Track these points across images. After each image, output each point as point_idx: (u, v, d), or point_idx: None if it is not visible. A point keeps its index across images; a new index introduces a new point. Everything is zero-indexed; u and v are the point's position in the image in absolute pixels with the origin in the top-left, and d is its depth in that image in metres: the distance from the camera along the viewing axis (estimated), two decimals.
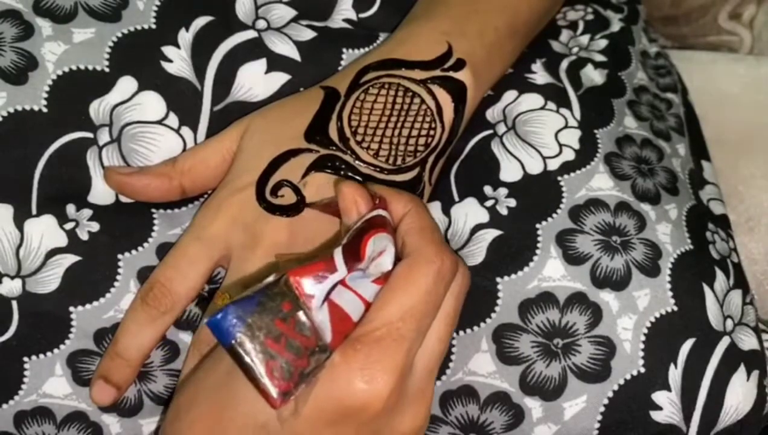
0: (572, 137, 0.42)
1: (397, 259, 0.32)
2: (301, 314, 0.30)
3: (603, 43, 0.47)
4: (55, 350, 0.37)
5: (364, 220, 0.32)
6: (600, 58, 0.46)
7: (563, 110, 0.43)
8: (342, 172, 0.37)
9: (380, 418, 0.31)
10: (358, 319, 0.31)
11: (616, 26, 0.49)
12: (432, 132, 0.38)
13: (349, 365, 0.30)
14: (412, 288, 0.31)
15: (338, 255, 0.31)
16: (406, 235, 0.33)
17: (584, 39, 0.47)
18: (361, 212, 0.33)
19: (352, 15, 0.43)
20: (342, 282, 0.31)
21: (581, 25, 0.48)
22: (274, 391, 0.29)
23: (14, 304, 0.37)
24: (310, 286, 0.30)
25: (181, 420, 0.33)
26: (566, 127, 0.42)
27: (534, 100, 0.43)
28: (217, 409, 0.32)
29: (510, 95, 0.43)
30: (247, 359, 0.29)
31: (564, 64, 0.45)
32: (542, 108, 0.43)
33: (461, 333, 0.39)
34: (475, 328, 0.38)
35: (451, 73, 0.39)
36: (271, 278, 0.30)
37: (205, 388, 0.33)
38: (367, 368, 0.30)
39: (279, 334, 0.29)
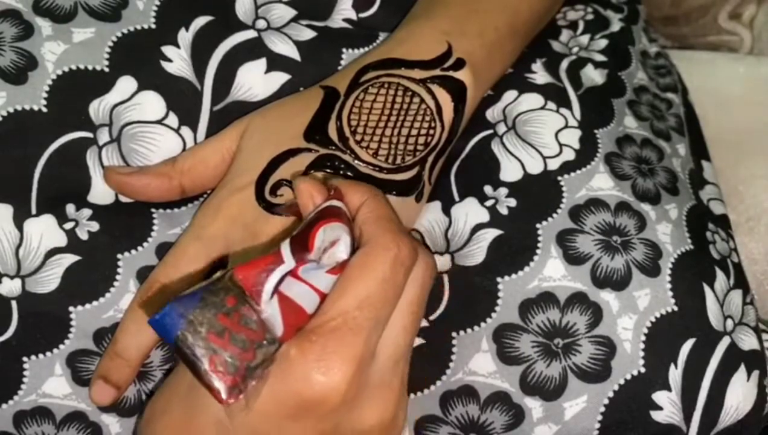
0: (572, 137, 0.42)
1: (356, 249, 0.32)
2: (245, 308, 0.29)
3: (603, 43, 0.47)
4: (55, 350, 0.37)
5: (315, 211, 0.32)
6: (600, 58, 0.46)
7: (563, 110, 0.43)
8: (341, 172, 0.37)
9: (340, 410, 0.30)
10: (313, 311, 0.31)
11: (616, 26, 0.49)
12: (432, 131, 0.39)
13: (305, 357, 0.29)
14: (368, 276, 0.30)
15: (285, 247, 0.30)
16: (362, 224, 0.32)
17: (584, 39, 0.47)
18: (317, 204, 0.33)
19: (352, 15, 0.43)
20: (293, 274, 0.30)
21: (581, 25, 0.48)
22: (219, 385, 0.28)
23: (14, 304, 0.37)
24: (256, 280, 0.30)
25: (155, 422, 0.33)
26: (566, 126, 0.42)
27: (534, 100, 0.43)
28: (188, 413, 0.32)
29: (510, 95, 0.43)
30: (190, 355, 0.28)
31: (564, 64, 0.45)
32: (542, 108, 0.43)
33: (461, 333, 0.39)
34: (476, 328, 0.39)
35: (450, 73, 0.39)
36: (217, 275, 0.30)
37: (177, 392, 0.33)
38: (324, 359, 0.29)
39: (222, 328, 0.29)
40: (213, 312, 0.29)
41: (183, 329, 0.28)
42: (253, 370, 0.29)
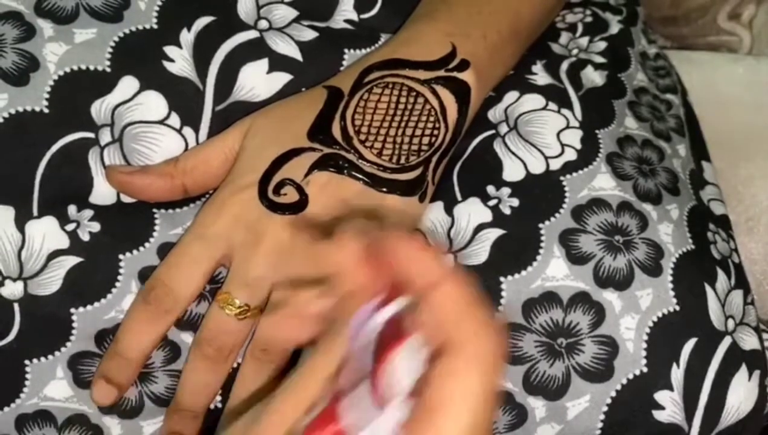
0: (574, 137, 0.42)
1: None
2: None
3: (602, 45, 0.48)
4: (57, 353, 0.37)
5: (371, 341, 0.24)
6: (599, 59, 0.47)
7: (564, 111, 0.43)
8: (345, 171, 0.37)
9: None
10: None
11: (614, 28, 0.49)
12: (436, 132, 0.39)
13: None
14: (466, 401, 0.23)
15: (358, 401, 0.24)
16: (444, 316, 0.24)
17: (583, 41, 0.48)
18: (366, 281, 0.25)
19: (353, 16, 0.43)
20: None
21: (580, 28, 0.48)
22: None
23: (16, 306, 0.37)
24: None
25: None
26: (568, 127, 0.43)
27: (535, 100, 0.43)
28: None
29: (511, 96, 0.43)
30: None
31: (564, 66, 0.45)
32: (544, 108, 0.43)
33: None
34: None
35: (455, 74, 0.39)
36: None
37: None
38: None
39: None
40: None
41: None
42: None
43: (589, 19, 0.49)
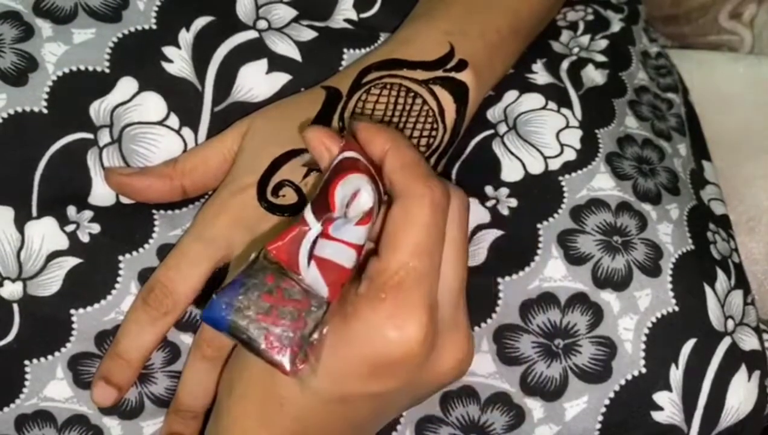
0: (573, 137, 0.42)
1: (383, 197, 0.33)
2: (285, 282, 0.31)
3: (603, 43, 0.47)
4: (56, 353, 0.37)
5: (329, 170, 0.33)
6: (600, 58, 0.47)
7: (564, 110, 0.43)
8: None
9: (421, 361, 0.31)
10: (353, 265, 0.32)
11: (616, 26, 0.49)
12: (434, 133, 0.39)
13: (378, 315, 0.31)
14: (412, 226, 0.31)
15: (308, 212, 0.32)
16: (391, 174, 0.33)
17: (584, 39, 0.47)
18: (333, 153, 0.33)
19: (352, 15, 0.43)
20: (324, 235, 0.31)
21: (581, 26, 0.48)
22: (279, 359, 0.30)
23: (15, 307, 0.37)
24: (290, 252, 0.31)
25: (232, 391, 0.34)
26: (567, 127, 0.43)
27: (535, 100, 0.43)
28: (264, 378, 0.33)
29: (511, 95, 0.43)
30: (246, 338, 0.30)
31: (564, 65, 0.45)
32: (543, 108, 0.43)
33: None
34: (476, 328, 0.39)
35: (453, 74, 0.39)
36: (251, 257, 0.31)
37: (249, 360, 0.33)
38: (396, 314, 0.31)
39: (268, 307, 0.30)
40: (256, 294, 0.30)
41: (232, 317, 0.30)
42: (308, 337, 0.30)
43: (590, 17, 0.49)
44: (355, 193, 0.32)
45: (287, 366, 0.30)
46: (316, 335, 0.31)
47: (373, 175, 0.33)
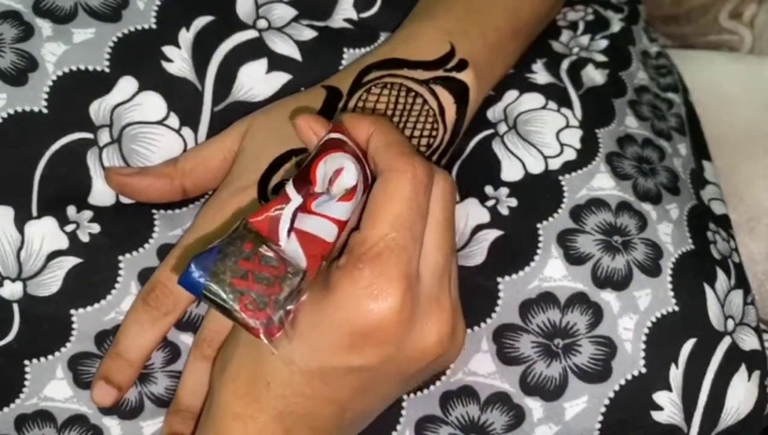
0: (573, 137, 0.43)
1: (371, 178, 0.34)
2: (263, 249, 0.31)
3: (603, 43, 0.48)
4: (56, 353, 0.38)
5: (315, 148, 0.33)
6: (600, 58, 0.47)
7: (564, 110, 0.43)
8: None
9: (399, 331, 0.32)
10: (334, 239, 0.32)
11: (616, 26, 0.49)
12: (434, 132, 0.39)
13: (356, 286, 0.31)
14: (392, 199, 0.32)
15: (290, 186, 0.32)
16: (375, 154, 0.33)
17: (584, 39, 0.48)
18: (320, 137, 0.34)
19: (352, 15, 0.44)
20: (306, 210, 0.32)
21: (581, 26, 0.48)
22: (252, 322, 0.30)
23: (15, 307, 0.37)
24: (270, 223, 0.32)
25: (222, 374, 0.34)
26: (567, 126, 0.43)
27: (535, 99, 0.43)
28: (250, 360, 0.33)
29: (511, 95, 0.44)
30: (220, 302, 0.30)
31: (564, 64, 0.45)
32: (543, 107, 0.43)
33: None
34: (476, 328, 0.39)
35: (453, 74, 0.39)
36: (232, 227, 0.32)
37: (238, 340, 0.34)
38: (374, 284, 0.31)
39: (245, 272, 0.31)
40: (233, 260, 0.31)
41: (208, 281, 0.30)
42: (282, 302, 0.31)
43: (590, 17, 0.49)
44: (339, 170, 0.33)
45: (260, 328, 0.30)
46: (292, 305, 0.31)
47: (359, 156, 0.33)
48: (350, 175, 0.33)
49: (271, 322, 0.31)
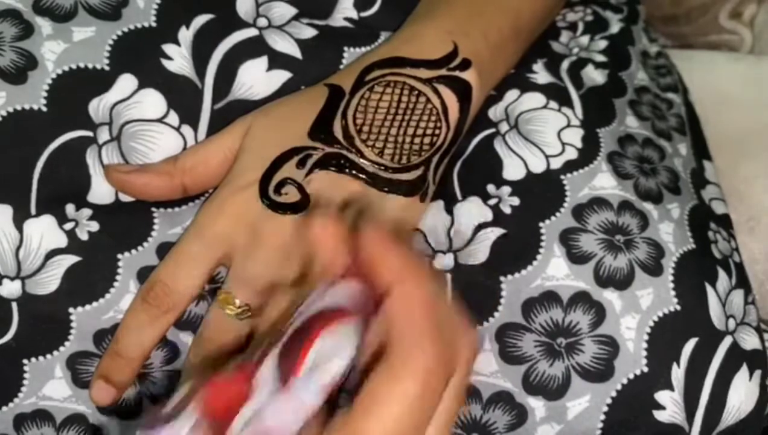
0: (575, 136, 0.43)
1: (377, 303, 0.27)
2: None
3: (603, 43, 0.48)
4: (55, 352, 0.38)
5: (310, 313, 0.27)
6: (600, 58, 0.47)
7: (565, 109, 0.43)
8: (346, 171, 0.37)
9: None
10: (300, 425, 0.26)
11: (615, 27, 0.49)
12: (437, 131, 0.39)
13: None
14: (395, 399, 0.25)
15: (268, 366, 0.26)
16: (391, 316, 0.26)
17: (584, 40, 0.48)
18: (339, 266, 0.27)
19: (353, 14, 0.44)
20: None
21: (581, 26, 0.48)
22: None
23: (14, 305, 0.37)
24: (225, 411, 0.26)
25: None
26: (568, 126, 0.43)
27: (536, 99, 0.44)
28: None
29: (512, 95, 0.44)
30: None
31: (565, 64, 0.46)
32: (544, 107, 0.43)
33: None
34: (478, 327, 0.39)
35: (457, 73, 0.40)
36: (182, 391, 0.26)
37: None
38: None
39: None
40: None
41: None
42: None
43: (589, 18, 0.49)
44: (332, 356, 0.26)
45: None
46: None
47: (369, 318, 0.27)
48: (341, 365, 0.26)
49: None
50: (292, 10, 0.42)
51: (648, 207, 0.42)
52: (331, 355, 0.26)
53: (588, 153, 0.42)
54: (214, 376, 0.26)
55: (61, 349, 0.38)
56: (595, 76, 0.46)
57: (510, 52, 0.43)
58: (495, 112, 0.43)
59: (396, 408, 0.25)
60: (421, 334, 0.25)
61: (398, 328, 0.26)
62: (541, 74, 0.45)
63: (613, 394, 0.38)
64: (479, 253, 0.40)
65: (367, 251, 0.26)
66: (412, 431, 0.25)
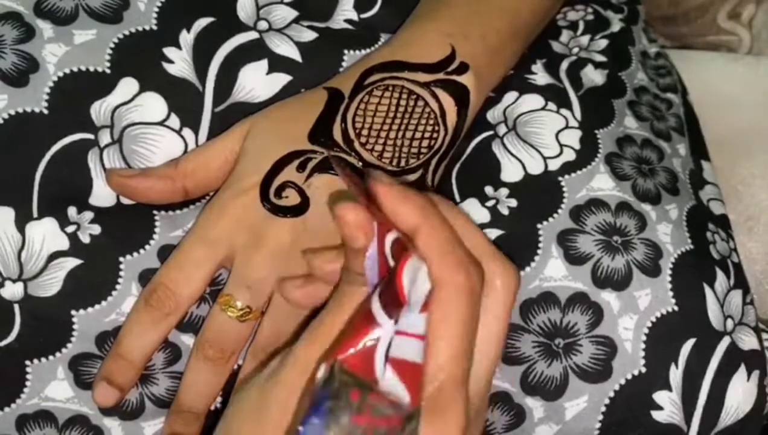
0: (573, 137, 0.43)
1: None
2: (371, 396, 0.27)
3: (603, 43, 0.48)
4: (57, 354, 0.38)
5: (388, 254, 0.29)
6: (600, 58, 0.47)
7: (564, 111, 0.44)
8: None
9: None
10: (422, 358, 0.28)
11: (616, 26, 0.49)
12: (435, 135, 0.39)
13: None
14: (452, 328, 0.27)
15: (376, 308, 0.28)
16: (426, 258, 0.28)
17: (584, 39, 0.48)
18: (369, 238, 0.29)
19: (353, 15, 0.44)
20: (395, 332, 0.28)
21: (581, 26, 0.48)
22: None
23: (16, 307, 0.37)
24: (364, 360, 0.27)
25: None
26: (567, 127, 0.43)
27: (534, 100, 0.44)
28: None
29: (510, 96, 0.44)
30: None
31: (564, 65, 0.46)
32: (543, 108, 0.43)
33: None
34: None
35: (454, 77, 0.40)
36: (321, 373, 0.27)
37: (239, 412, 0.31)
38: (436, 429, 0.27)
39: (362, 430, 0.26)
40: (346, 419, 0.26)
41: None
42: None
43: (590, 17, 0.49)
44: (414, 279, 0.28)
45: None
46: None
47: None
48: (424, 280, 0.28)
49: None
50: (292, 13, 0.43)
51: (646, 208, 0.42)
52: (415, 279, 0.28)
53: (586, 154, 0.43)
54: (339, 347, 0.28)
55: (64, 350, 0.38)
56: (594, 76, 0.46)
57: (509, 54, 0.43)
58: (494, 114, 0.44)
59: (455, 336, 0.27)
60: (460, 261, 0.28)
61: (437, 259, 0.28)
62: (540, 75, 0.45)
63: (611, 394, 0.39)
64: None
65: (386, 206, 0.28)
66: (468, 350, 0.28)
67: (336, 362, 0.27)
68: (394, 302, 0.28)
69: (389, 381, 0.27)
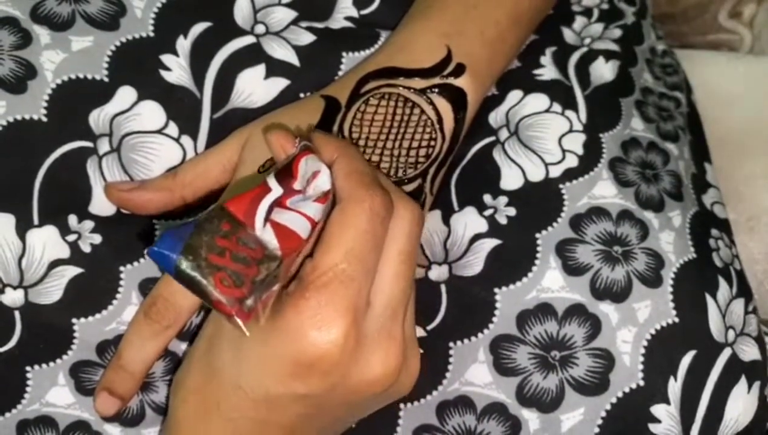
0: (576, 142, 0.39)
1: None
2: (241, 231, 0.28)
3: (617, 32, 0.44)
4: (58, 360, 0.35)
5: (295, 147, 0.32)
6: (613, 47, 0.42)
7: (569, 112, 0.40)
8: None
9: (342, 362, 0.29)
10: (307, 236, 0.30)
11: (629, 19, 0.45)
12: (432, 142, 0.36)
13: (301, 315, 0.29)
14: (347, 230, 0.29)
15: (271, 178, 0.30)
16: (336, 180, 0.31)
17: (598, 27, 0.43)
18: (288, 151, 0.32)
19: (353, 12, 0.40)
20: (282, 204, 0.30)
21: (596, 13, 0.43)
22: (225, 299, 0.27)
23: (17, 314, 0.35)
24: (248, 209, 0.29)
25: (176, 394, 0.33)
26: (571, 131, 0.40)
27: (539, 101, 0.40)
28: (203, 381, 0.31)
29: (514, 96, 0.40)
30: (192, 275, 0.27)
31: (574, 59, 0.41)
32: (547, 111, 0.40)
33: (458, 343, 0.36)
34: (473, 338, 0.37)
35: (450, 81, 0.36)
36: (209, 208, 0.29)
37: (191, 361, 0.32)
38: (319, 314, 0.29)
39: (222, 249, 0.28)
40: (210, 235, 0.28)
41: (182, 254, 0.27)
42: (259, 285, 0.28)
43: (605, 6, 0.44)
44: (315, 172, 0.30)
45: (234, 308, 0.27)
46: (265, 286, 0.28)
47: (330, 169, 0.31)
48: (326, 179, 0.30)
49: (245, 303, 0.27)
50: (291, 14, 0.39)
51: (648, 216, 0.38)
52: (313, 172, 0.30)
53: (589, 160, 0.39)
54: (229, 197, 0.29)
55: (64, 357, 0.35)
56: (604, 71, 0.42)
57: (510, 43, 0.39)
58: (496, 118, 0.40)
59: (350, 237, 0.29)
60: (364, 182, 0.30)
61: (345, 181, 0.31)
62: (548, 69, 0.40)
63: (608, 407, 0.35)
64: (474, 264, 0.37)
65: (313, 138, 0.32)
66: (363, 257, 0.29)
67: (221, 203, 0.29)
68: (285, 176, 0.30)
69: (266, 236, 0.29)
